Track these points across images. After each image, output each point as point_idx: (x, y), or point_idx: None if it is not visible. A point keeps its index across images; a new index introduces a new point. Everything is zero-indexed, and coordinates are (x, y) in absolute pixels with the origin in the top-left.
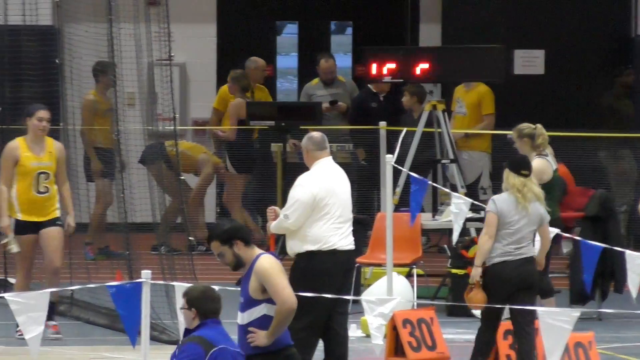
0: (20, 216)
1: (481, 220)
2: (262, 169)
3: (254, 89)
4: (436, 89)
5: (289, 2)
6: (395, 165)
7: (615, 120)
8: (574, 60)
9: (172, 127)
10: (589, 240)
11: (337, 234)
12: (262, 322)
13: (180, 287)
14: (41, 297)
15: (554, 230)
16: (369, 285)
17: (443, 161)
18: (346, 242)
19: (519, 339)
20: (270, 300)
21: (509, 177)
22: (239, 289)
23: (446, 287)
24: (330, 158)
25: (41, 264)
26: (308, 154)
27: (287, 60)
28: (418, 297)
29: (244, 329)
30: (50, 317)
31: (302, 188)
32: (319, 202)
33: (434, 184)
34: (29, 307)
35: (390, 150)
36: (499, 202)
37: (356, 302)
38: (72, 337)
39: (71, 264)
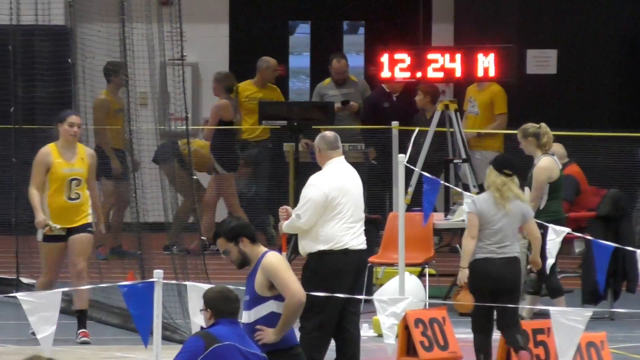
0: (52, 223)
1: None
2: (274, 169)
3: (264, 88)
4: (448, 88)
5: (302, 2)
6: (408, 165)
7: None
8: (586, 60)
9: (184, 127)
10: (601, 240)
11: (349, 234)
12: (270, 320)
13: (192, 287)
14: (53, 297)
15: (564, 230)
16: (381, 285)
17: (455, 161)
18: (358, 241)
19: (504, 334)
20: (277, 297)
21: (491, 175)
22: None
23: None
24: (342, 158)
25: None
26: (320, 154)
27: (300, 60)
28: (430, 297)
29: (250, 327)
30: (81, 324)
31: (315, 187)
32: (331, 201)
33: (446, 184)
34: (41, 307)
35: (403, 150)
36: (479, 202)
37: (368, 302)
38: None
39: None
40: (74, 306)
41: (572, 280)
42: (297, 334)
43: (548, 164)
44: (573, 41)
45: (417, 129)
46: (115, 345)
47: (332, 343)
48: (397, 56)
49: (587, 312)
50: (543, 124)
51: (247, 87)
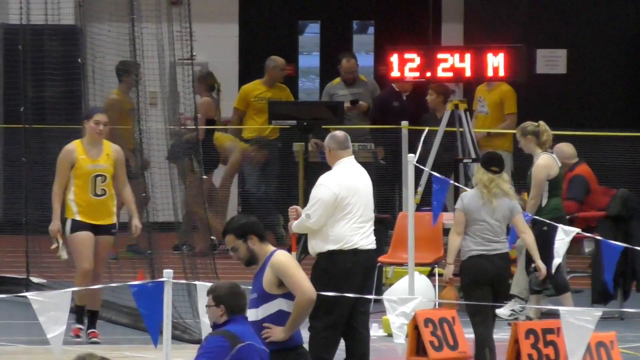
0: (79, 217)
1: None
2: (283, 169)
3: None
4: (458, 88)
5: (311, 2)
6: (417, 165)
7: None
8: (596, 59)
9: (194, 127)
10: (611, 240)
11: (359, 234)
12: (278, 318)
13: (202, 286)
14: (62, 297)
15: (573, 230)
16: (390, 285)
17: (465, 160)
18: (368, 241)
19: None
20: (286, 295)
21: (478, 172)
22: None
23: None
24: (352, 157)
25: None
26: (330, 153)
27: (309, 60)
28: (439, 297)
29: (257, 325)
30: (91, 325)
31: (324, 187)
32: (341, 201)
33: (456, 184)
34: (51, 307)
35: (412, 150)
36: (466, 199)
37: (378, 302)
38: None
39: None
40: (85, 305)
41: (581, 280)
42: (305, 334)
43: (546, 161)
44: (583, 41)
45: (426, 129)
46: (125, 345)
47: (342, 343)
48: (407, 56)
49: (597, 312)
50: (542, 122)
51: (255, 87)
